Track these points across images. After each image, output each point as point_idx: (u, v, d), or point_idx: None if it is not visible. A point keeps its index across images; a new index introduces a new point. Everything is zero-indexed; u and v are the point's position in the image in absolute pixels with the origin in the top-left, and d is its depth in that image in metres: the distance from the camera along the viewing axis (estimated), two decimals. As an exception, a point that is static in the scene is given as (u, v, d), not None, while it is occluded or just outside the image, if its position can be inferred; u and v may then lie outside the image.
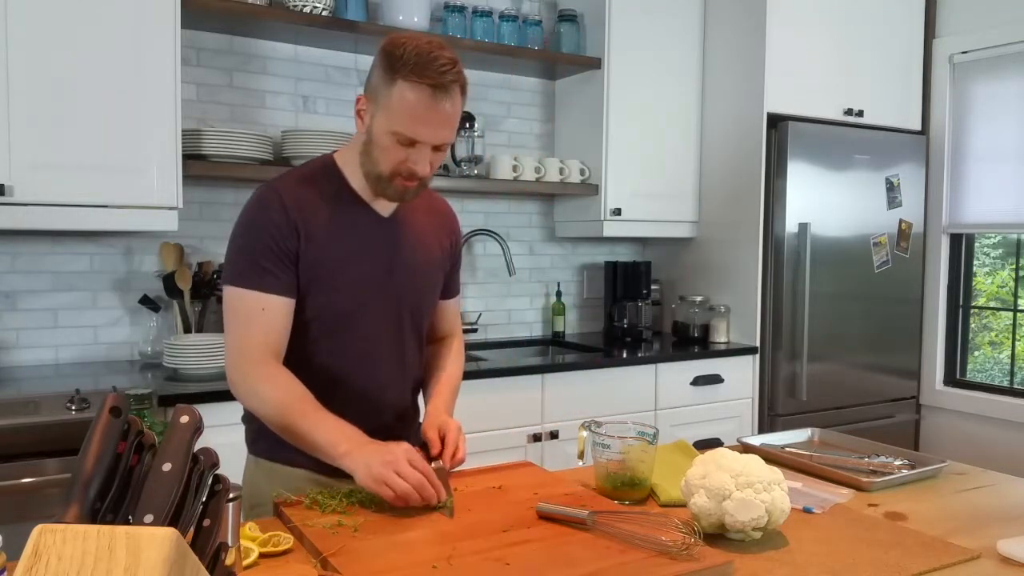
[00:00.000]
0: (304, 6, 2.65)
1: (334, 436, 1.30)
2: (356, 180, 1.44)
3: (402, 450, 1.26)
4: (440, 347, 1.67)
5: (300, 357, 1.41)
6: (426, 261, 1.53)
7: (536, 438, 2.73)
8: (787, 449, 1.65)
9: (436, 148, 1.36)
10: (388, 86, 1.31)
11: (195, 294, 2.65)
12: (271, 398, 1.34)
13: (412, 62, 1.29)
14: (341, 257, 1.41)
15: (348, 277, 1.41)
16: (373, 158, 1.37)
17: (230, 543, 0.99)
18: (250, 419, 1.50)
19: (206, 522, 0.81)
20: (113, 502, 0.74)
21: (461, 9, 3.04)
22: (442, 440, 1.40)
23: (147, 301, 2.65)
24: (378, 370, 1.48)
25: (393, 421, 1.51)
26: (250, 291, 1.35)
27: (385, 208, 1.47)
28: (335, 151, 1.50)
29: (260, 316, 1.35)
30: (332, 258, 1.40)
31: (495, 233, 3.18)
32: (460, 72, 1.34)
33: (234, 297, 1.37)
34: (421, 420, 1.55)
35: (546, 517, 1.21)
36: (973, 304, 3.64)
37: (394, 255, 1.47)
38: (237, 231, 1.40)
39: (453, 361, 1.65)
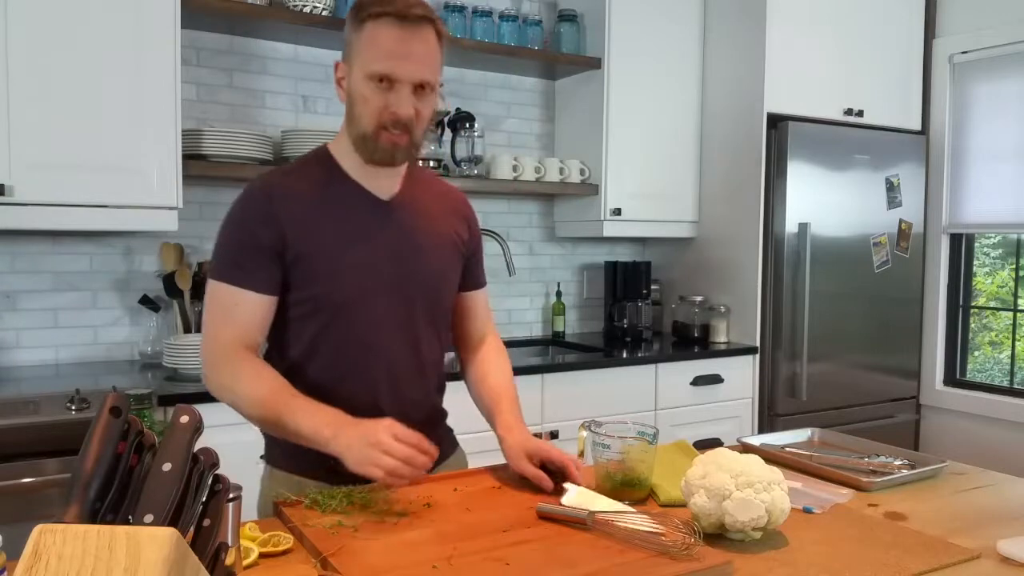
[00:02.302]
0: (304, 6, 2.65)
1: (316, 422, 1.25)
2: (349, 162, 1.39)
3: (383, 427, 1.20)
4: (479, 357, 1.58)
5: (302, 353, 1.38)
6: (437, 245, 1.45)
7: (536, 438, 2.72)
8: (787, 449, 1.65)
9: (417, 91, 1.31)
10: (357, 32, 1.30)
11: (195, 294, 2.65)
12: (246, 394, 1.31)
13: (376, 0, 1.28)
14: (334, 243, 1.35)
15: (344, 264, 1.35)
16: (356, 116, 1.33)
17: (230, 543, 0.99)
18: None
19: (206, 522, 0.81)
20: (113, 502, 0.74)
21: (461, 9, 3.04)
22: (549, 468, 1.34)
23: (147, 301, 2.65)
24: (388, 362, 1.40)
25: (416, 423, 1.32)
26: (226, 285, 1.33)
27: (385, 191, 1.41)
28: (327, 142, 1.46)
29: (233, 311, 1.33)
30: (324, 245, 1.34)
31: (495, 233, 3.18)
32: (429, 9, 1.31)
33: (211, 290, 1.36)
34: (450, 427, 1.52)
35: (546, 517, 1.21)
36: (973, 304, 3.64)
37: (398, 239, 1.40)
38: (222, 225, 1.38)
39: (500, 369, 1.56)
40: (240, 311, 1.33)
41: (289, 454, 1.39)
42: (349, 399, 1.32)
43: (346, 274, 1.36)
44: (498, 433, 1.46)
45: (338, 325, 1.37)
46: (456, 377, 1.62)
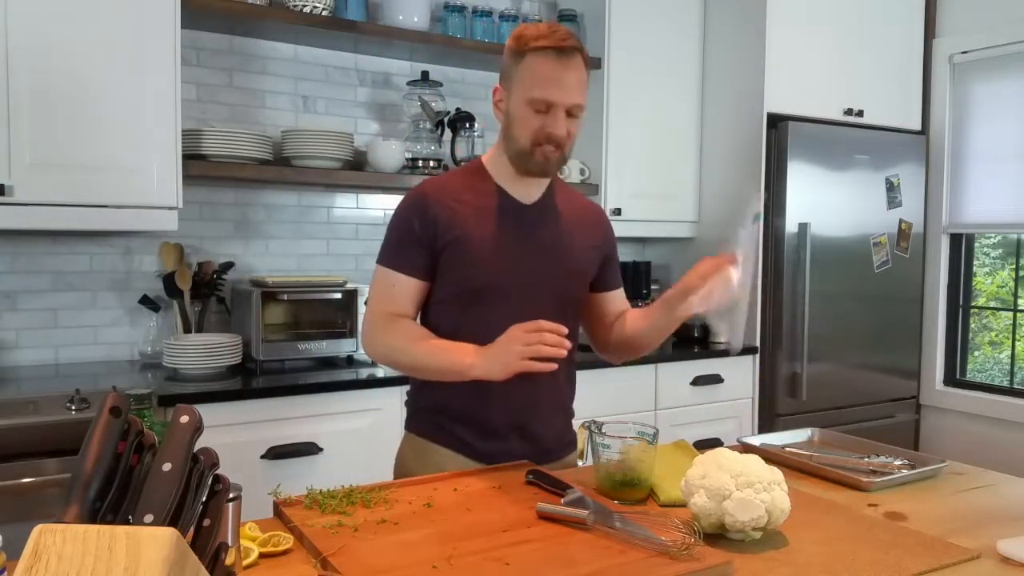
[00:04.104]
0: (304, 6, 2.65)
1: (456, 355, 1.43)
2: (499, 173, 1.57)
3: (507, 334, 1.37)
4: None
5: (444, 334, 1.52)
6: (570, 246, 1.59)
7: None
8: (787, 449, 1.65)
9: (569, 114, 1.48)
10: (518, 63, 1.48)
11: (195, 294, 2.65)
12: (394, 344, 1.51)
13: (535, 35, 1.46)
14: (480, 236, 1.51)
15: (485, 252, 1.51)
16: (514, 136, 1.50)
17: (230, 543, 0.99)
18: (410, 397, 1.65)
19: (206, 522, 0.81)
20: (113, 502, 0.74)
21: (461, 9, 3.04)
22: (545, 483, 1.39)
23: (147, 301, 2.65)
24: None
25: (545, 409, 1.60)
26: (385, 268, 1.54)
27: (528, 198, 1.57)
28: (481, 155, 1.63)
29: (390, 290, 1.53)
30: (471, 236, 1.50)
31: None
32: (579, 41, 1.49)
33: (376, 273, 1.57)
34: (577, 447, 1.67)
35: (546, 517, 1.21)
36: (973, 304, 3.64)
37: (534, 236, 1.56)
38: (390, 221, 1.57)
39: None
40: (396, 291, 1.53)
41: (425, 420, 1.59)
42: (481, 381, 1.44)
43: (486, 263, 1.51)
44: (656, 310, 1.60)
45: (475, 309, 1.52)
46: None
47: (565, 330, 1.38)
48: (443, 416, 1.56)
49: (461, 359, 1.42)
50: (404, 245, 1.53)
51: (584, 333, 1.76)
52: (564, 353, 1.37)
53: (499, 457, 1.52)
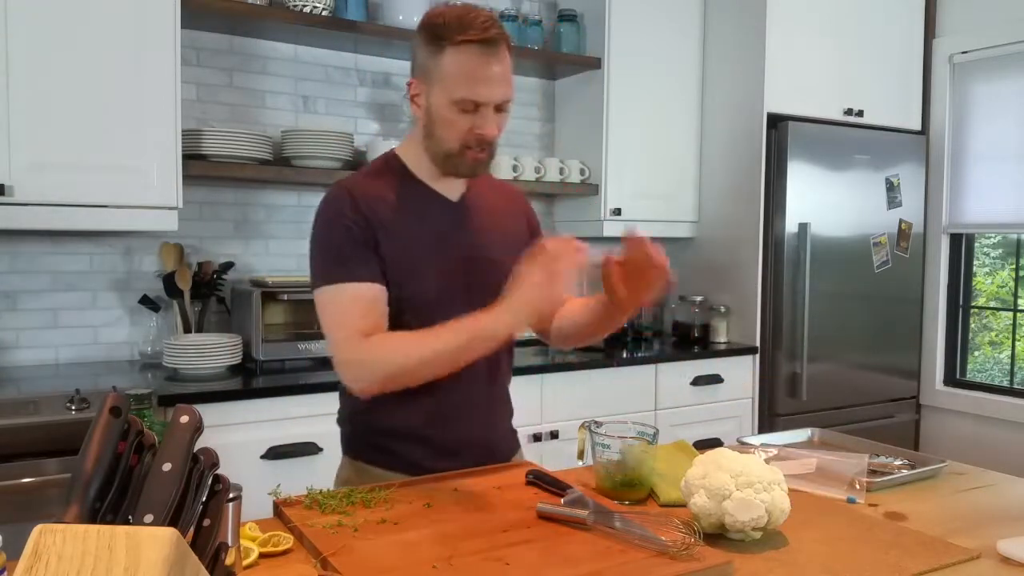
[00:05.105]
0: (304, 6, 2.65)
1: (474, 319, 1.27)
2: (419, 167, 1.44)
3: (527, 269, 1.25)
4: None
5: None
6: (505, 244, 1.46)
7: (536, 438, 2.73)
8: (787, 449, 1.65)
9: (498, 109, 1.35)
10: (437, 57, 1.32)
11: (195, 294, 2.65)
12: (394, 350, 1.31)
13: (455, 26, 1.30)
14: (418, 244, 1.39)
15: (424, 266, 1.39)
16: (438, 137, 1.37)
17: (230, 543, 0.99)
18: (345, 420, 1.53)
19: (206, 522, 0.81)
20: (113, 502, 0.73)
21: (461, 9, 3.03)
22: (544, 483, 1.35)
23: (147, 301, 2.65)
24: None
25: (489, 415, 1.51)
26: (335, 286, 1.34)
27: (453, 192, 1.46)
28: (394, 147, 1.50)
29: (353, 305, 1.33)
30: (410, 246, 1.38)
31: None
32: (499, 25, 1.34)
33: (325, 297, 1.36)
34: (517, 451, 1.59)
35: (546, 517, 1.21)
36: (973, 304, 3.64)
37: (470, 241, 1.45)
38: (314, 233, 1.39)
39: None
40: (360, 303, 1.34)
41: (368, 444, 1.48)
42: (430, 391, 1.36)
43: (427, 277, 1.39)
44: (594, 301, 1.50)
45: (418, 320, 1.37)
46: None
47: (583, 245, 1.26)
48: (390, 438, 1.45)
49: (483, 318, 1.25)
50: (350, 252, 1.34)
51: None
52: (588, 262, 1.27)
53: (451, 470, 1.42)
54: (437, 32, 1.32)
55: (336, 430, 2.31)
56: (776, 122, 3.20)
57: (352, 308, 1.33)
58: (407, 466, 1.42)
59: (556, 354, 3.34)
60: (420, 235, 1.40)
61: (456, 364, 1.31)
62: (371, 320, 1.33)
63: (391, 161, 1.46)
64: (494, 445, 1.54)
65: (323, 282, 1.36)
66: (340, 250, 1.35)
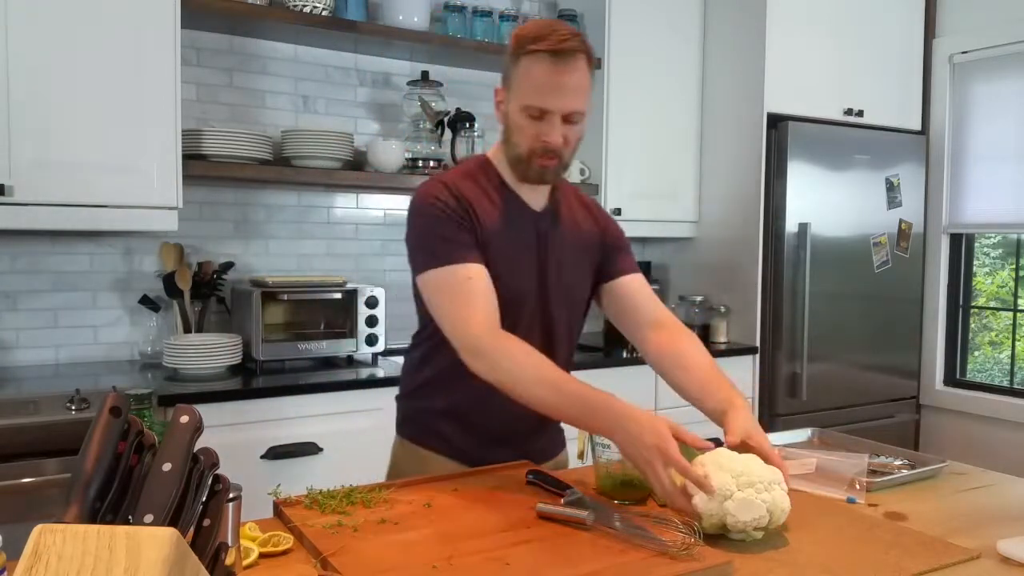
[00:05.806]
0: (304, 6, 2.65)
1: (607, 406, 1.26)
2: (507, 173, 1.49)
3: (654, 444, 1.19)
4: (666, 339, 1.59)
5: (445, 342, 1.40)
6: (576, 259, 1.54)
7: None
8: (787, 449, 1.65)
9: (567, 120, 1.40)
10: (515, 65, 1.39)
11: (195, 294, 2.65)
12: (523, 366, 1.31)
13: (532, 36, 1.37)
14: (504, 245, 1.44)
15: (509, 266, 1.43)
16: (512, 142, 1.44)
17: (230, 543, 0.99)
18: (402, 396, 1.59)
19: (206, 522, 0.81)
20: (113, 502, 0.73)
21: (461, 9, 3.04)
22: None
23: (147, 301, 2.65)
24: None
25: (542, 416, 1.40)
26: (448, 267, 1.36)
27: (536, 203, 1.51)
28: (486, 152, 1.54)
29: (468, 286, 1.35)
30: (498, 245, 1.42)
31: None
32: (583, 41, 1.39)
33: (433, 280, 1.38)
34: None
35: (546, 517, 1.21)
36: (973, 304, 3.64)
37: (546, 248, 1.49)
38: (414, 224, 1.42)
39: (694, 347, 1.60)
40: (475, 284, 1.36)
41: (420, 426, 1.53)
42: (481, 387, 1.35)
43: (509, 275, 1.43)
44: (719, 408, 1.47)
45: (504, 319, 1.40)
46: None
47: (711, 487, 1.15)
48: (441, 422, 1.51)
49: (607, 422, 1.25)
50: (454, 234, 1.37)
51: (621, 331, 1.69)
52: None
53: (494, 462, 1.48)
54: (519, 42, 1.39)
55: (336, 429, 2.30)
56: (776, 122, 3.20)
57: (465, 288, 1.35)
58: (453, 452, 1.49)
59: (556, 354, 3.34)
60: (508, 237, 1.45)
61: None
62: (488, 303, 1.35)
63: (484, 163, 1.52)
64: (537, 439, 1.56)
65: (432, 264, 1.37)
66: (447, 232, 1.37)
